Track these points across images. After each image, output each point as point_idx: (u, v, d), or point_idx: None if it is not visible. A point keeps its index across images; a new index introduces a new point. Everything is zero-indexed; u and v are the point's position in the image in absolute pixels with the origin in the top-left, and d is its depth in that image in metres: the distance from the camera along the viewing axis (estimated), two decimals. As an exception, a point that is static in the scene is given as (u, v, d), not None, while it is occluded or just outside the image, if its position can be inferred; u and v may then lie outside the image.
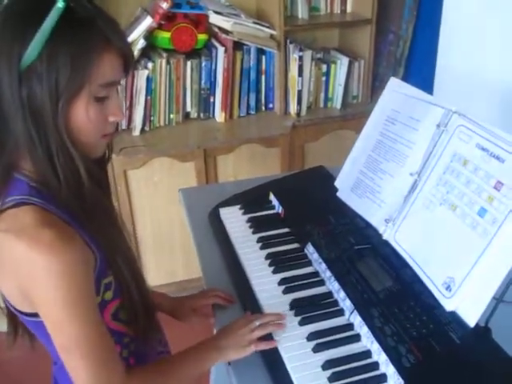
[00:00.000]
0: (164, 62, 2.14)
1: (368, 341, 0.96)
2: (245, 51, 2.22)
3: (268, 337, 0.98)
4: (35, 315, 0.80)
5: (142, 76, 2.10)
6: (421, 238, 1.07)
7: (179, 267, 2.38)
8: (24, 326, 0.89)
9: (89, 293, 0.78)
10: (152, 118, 2.21)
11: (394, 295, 1.02)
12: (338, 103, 2.38)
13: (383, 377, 0.90)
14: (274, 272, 1.17)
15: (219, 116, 2.28)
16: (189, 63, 2.19)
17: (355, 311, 1.01)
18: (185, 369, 0.92)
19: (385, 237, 1.15)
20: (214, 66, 2.22)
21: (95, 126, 0.80)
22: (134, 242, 2.23)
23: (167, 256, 2.34)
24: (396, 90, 1.30)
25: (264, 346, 0.96)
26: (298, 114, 2.29)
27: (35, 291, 0.75)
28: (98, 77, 0.77)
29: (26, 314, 0.82)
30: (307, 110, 2.32)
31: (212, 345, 0.96)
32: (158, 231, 2.27)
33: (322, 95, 2.37)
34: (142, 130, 2.18)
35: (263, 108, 2.37)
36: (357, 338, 0.98)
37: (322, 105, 2.39)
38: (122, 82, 2.02)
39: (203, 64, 2.21)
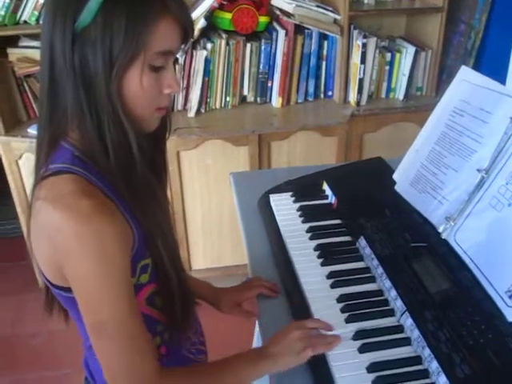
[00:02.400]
0: (223, 43, 2.11)
1: (419, 346, 0.89)
2: (306, 35, 2.16)
3: None
4: (68, 290, 0.77)
5: (200, 56, 2.07)
6: (484, 239, 0.99)
7: (226, 252, 2.36)
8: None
9: (124, 271, 0.75)
10: (208, 100, 2.19)
11: (451, 299, 0.95)
12: (400, 94, 2.27)
13: (433, 386, 0.84)
14: (323, 264, 1.11)
15: (276, 101, 2.23)
16: (248, 45, 2.15)
17: (407, 313, 0.94)
18: (229, 378, 0.86)
19: (444, 236, 1.07)
20: (273, 50, 2.17)
21: (149, 97, 0.76)
22: (183, 224, 2.22)
23: (215, 240, 2.32)
24: (466, 79, 1.21)
25: (324, 346, 0.89)
26: (358, 103, 2.21)
27: (68, 263, 0.73)
28: (154, 44, 0.73)
29: (59, 288, 0.80)
30: (368, 99, 2.23)
31: (264, 353, 0.88)
32: (208, 214, 2.26)
33: (385, 85, 2.27)
34: (198, 112, 2.16)
35: (322, 95, 2.30)
36: (406, 341, 0.91)
37: (383, 95, 2.30)
38: (180, 60, 2.00)
39: (263, 47, 2.16)
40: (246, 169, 2.16)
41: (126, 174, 0.76)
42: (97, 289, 0.73)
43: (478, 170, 1.05)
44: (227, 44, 2.12)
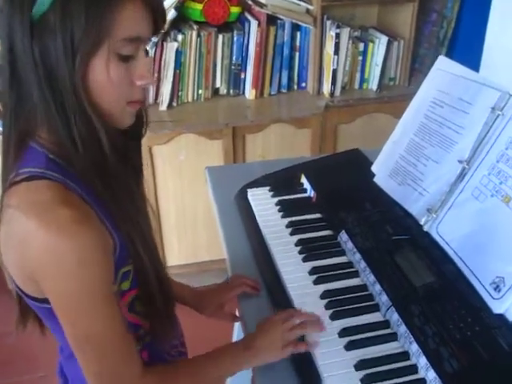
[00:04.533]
0: (195, 34, 2.06)
1: (406, 341, 0.87)
2: (279, 26, 2.12)
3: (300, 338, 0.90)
4: (43, 301, 0.73)
5: (171, 48, 2.02)
6: (467, 231, 0.98)
7: (201, 248, 2.33)
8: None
9: (105, 282, 0.71)
10: (180, 93, 2.14)
11: (436, 292, 0.94)
12: (374, 85, 2.26)
13: (422, 382, 0.82)
14: (305, 260, 1.09)
15: (249, 93, 2.19)
16: (220, 37, 2.11)
17: (392, 307, 0.93)
18: (212, 372, 0.84)
19: (426, 228, 1.06)
20: (246, 41, 2.13)
21: (118, 90, 0.71)
22: (157, 220, 2.17)
23: (190, 236, 2.28)
24: (444, 69, 1.20)
25: (304, 347, 0.87)
26: (332, 95, 2.19)
27: (44, 277, 0.68)
28: (119, 29, 0.67)
29: (33, 299, 0.75)
30: (341, 90, 2.22)
31: (245, 346, 0.87)
32: (182, 210, 2.21)
33: (358, 75, 2.26)
34: (170, 105, 2.10)
35: (295, 87, 2.28)
36: (393, 337, 0.90)
37: (357, 86, 2.28)
38: (151, 53, 1.95)
39: (235, 38, 2.12)
40: (221, 163, 2.12)
41: (101, 174, 0.71)
42: (77, 303, 0.69)
43: (460, 161, 1.04)
44: (198, 35, 2.07)
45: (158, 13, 0.72)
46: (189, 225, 2.25)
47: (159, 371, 0.81)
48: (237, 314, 1.11)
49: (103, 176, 0.71)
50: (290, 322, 0.89)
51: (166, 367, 0.85)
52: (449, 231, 1.02)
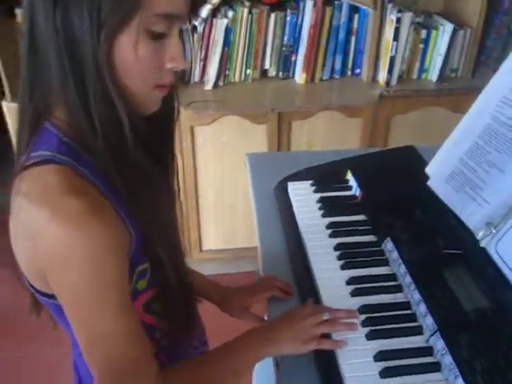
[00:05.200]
0: (246, 11, 1.96)
1: (450, 374, 0.77)
2: (336, 7, 2.00)
3: (326, 336, 0.83)
4: (51, 296, 0.67)
5: (220, 25, 1.93)
6: (532, 253, 0.86)
7: (239, 234, 2.26)
8: None
9: (120, 281, 0.64)
10: (227, 72, 2.05)
11: (488, 321, 0.83)
12: (434, 75, 2.11)
13: (466, 424, 0.72)
14: (343, 268, 0.99)
15: (299, 77, 2.08)
16: (272, 15, 2.00)
17: (438, 333, 0.82)
18: (231, 362, 0.78)
19: (483, 244, 0.95)
20: (299, 21, 2.01)
21: (146, 71, 0.63)
22: (195, 202, 2.11)
23: (227, 220, 2.22)
24: (519, 66, 1.06)
25: (329, 345, 0.80)
26: (388, 83, 2.05)
27: (52, 272, 0.62)
28: (153, 3, 0.60)
29: (42, 294, 0.69)
30: (398, 79, 2.08)
31: (267, 337, 0.80)
32: (221, 193, 2.14)
33: (417, 65, 2.11)
34: (215, 85, 2.02)
35: (349, 73, 2.15)
36: (436, 367, 0.80)
37: (415, 75, 2.13)
38: (199, 29, 1.86)
39: (288, 18, 2.01)
40: (264, 149, 2.03)
41: (118, 158, 0.64)
42: (88, 304, 0.63)
43: (530, 173, 0.91)
44: (250, 13, 1.97)
45: None
46: (227, 209, 2.18)
47: (177, 371, 0.75)
48: (265, 317, 1.03)
49: (122, 164, 0.64)
50: (317, 316, 0.82)
51: (184, 365, 0.78)
52: (510, 250, 0.90)
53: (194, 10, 0.66)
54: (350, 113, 2.02)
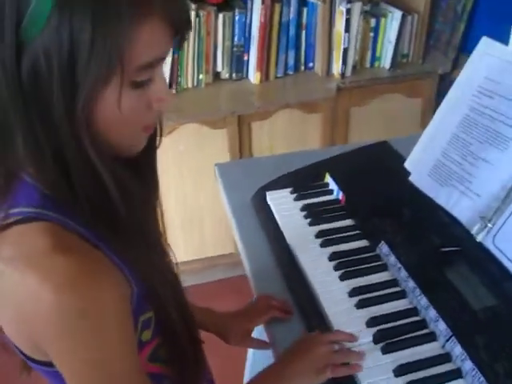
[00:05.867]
0: (193, 14, 1.89)
1: (474, 380, 0.75)
2: (284, 2, 1.95)
3: None
4: (48, 364, 0.60)
5: (168, 31, 1.85)
6: (533, 244, 0.86)
7: (207, 242, 2.20)
8: None
9: (127, 343, 0.58)
10: (179, 80, 1.98)
11: (500, 318, 0.82)
12: (386, 63, 2.11)
13: (499, 432, 0.71)
14: (342, 278, 0.96)
15: (254, 77, 2.04)
16: (220, 16, 1.94)
17: (453, 338, 0.81)
18: None
19: (479, 239, 0.94)
20: (248, 20, 1.96)
21: (133, 120, 0.57)
22: (160, 216, 2.03)
23: (196, 231, 2.15)
24: (490, 52, 1.05)
25: (346, 370, 0.77)
26: (343, 75, 2.04)
27: (50, 343, 0.55)
28: (134, 56, 0.53)
29: (36, 362, 0.62)
30: (352, 70, 2.07)
31: (283, 374, 0.76)
32: (185, 204, 2.08)
33: (369, 53, 2.10)
34: (169, 93, 1.95)
35: (302, 68, 2.12)
36: (457, 373, 0.78)
37: (368, 65, 2.13)
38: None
39: (237, 17, 1.95)
40: (226, 154, 1.98)
41: (105, 216, 0.58)
42: (95, 375, 0.56)
43: (520, 163, 0.91)
44: (197, 16, 1.90)
45: (180, 19, 0.56)
46: (194, 219, 2.12)
47: None
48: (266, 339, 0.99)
49: (109, 220, 0.58)
50: (330, 346, 0.79)
51: None
52: (509, 243, 0.89)
53: (179, 38, 0.59)
54: (308, 109, 2.00)
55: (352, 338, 0.82)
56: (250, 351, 1.70)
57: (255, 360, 1.66)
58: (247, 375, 1.77)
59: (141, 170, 0.68)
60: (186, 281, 2.30)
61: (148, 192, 0.71)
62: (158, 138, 0.70)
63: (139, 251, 0.61)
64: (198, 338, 0.74)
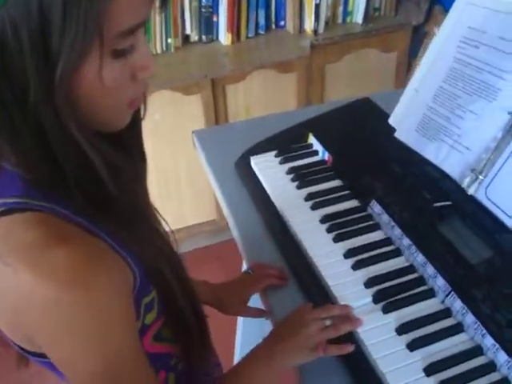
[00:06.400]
0: (157, -25, 1.80)
1: (476, 333, 0.76)
2: (252, -42, 1.88)
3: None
4: (44, 355, 0.57)
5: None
6: (526, 194, 0.85)
7: (188, 212, 2.17)
8: None
9: (128, 329, 0.55)
10: (147, 45, 1.90)
11: (497, 270, 0.82)
12: (359, 17, 2.06)
13: (505, 382, 0.71)
14: (336, 240, 0.95)
15: (224, 38, 1.97)
16: (186, -25, 1.86)
17: (453, 293, 0.81)
18: None
19: (470, 192, 0.93)
20: (215, -22, 1.89)
21: (117, 93, 0.52)
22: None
23: (174, 200, 2.12)
24: (472, 2, 1.03)
25: (337, 350, 0.76)
26: (316, 32, 1.99)
27: (48, 342, 0.52)
28: (114, 22, 0.48)
29: (32, 353, 0.59)
30: (324, 26, 2.02)
31: (275, 350, 0.74)
32: (163, 174, 2.03)
33: (341, 8, 2.05)
34: (137, 60, 1.87)
35: (273, 26, 2.06)
36: (459, 328, 0.78)
37: (340, 20, 2.08)
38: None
39: (203, -24, 1.87)
40: (201, 119, 1.93)
41: (101, 204, 0.55)
42: (99, 371, 0.53)
43: (510, 113, 0.90)
44: (161, -24, 1.81)
45: None
46: (172, 189, 2.08)
47: None
48: (263, 307, 0.98)
49: (104, 204, 0.54)
50: (320, 322, 0.76)
51: None
52: (501, 194, 0.89)
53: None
54: (282, 68, 1.95)
55: (345, 309, 0.81)
56: (240, 319, 1.70)
57: (245, 328, 1.66)
58: (238, 344, 1.77)
59: (126, 144, 0.64)
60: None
61: (136, 167, 0.67)
62: (142, 109, 0.66)
63: (135, 230, 0.58)
64: (201, 312, 0.72)
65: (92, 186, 0.54)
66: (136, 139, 0.68)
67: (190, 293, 0.68)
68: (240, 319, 1.64)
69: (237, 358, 1.72)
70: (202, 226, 2.22)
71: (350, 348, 0.76)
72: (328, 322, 0.78)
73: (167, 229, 0.69)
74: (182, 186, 2.09)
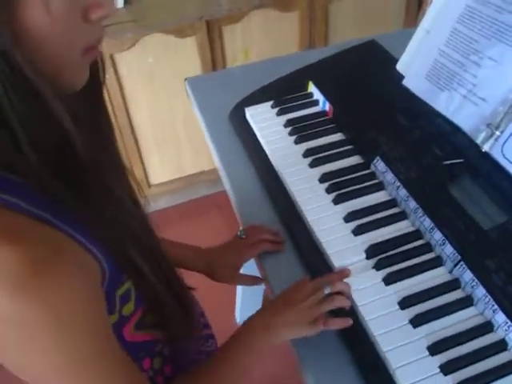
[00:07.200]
0: None
1: (487, 308, 0.69)
2: None
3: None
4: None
5: None
6: (548, 152, 0.76)
7: (185, 160, 2.09)
8: None
9: (98, 329, 0.48)
10: (137, -17, 1.76)
11: (513, 237, 0.74)
12: None
13: (517, 362, 0.65)
14: (336, 202, 0.88)
15: (220, -26, 1.82)
16: None
17: (462, 263, 0.74)
18: (241, 361, 0.67)
19: (485, 148, 0.84)
20: None
21: (68, 31, 0.43)
22: (133, 139, 1.90)
23: (172, 150, 2.03)
24: None
25: (338, 323, 0.71)
26: (319, -34, 1.83)
27: (6, 354, 0.45)
28: None
29: None
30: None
31: (271, 323, 0.69)
32: (159, 121, 1.93)
33: None
34: (126, 1, 1.74)
35: (273, -40, 1.90)
36: (469, 301, 0.72)
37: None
38: None
39: None
40: (197, 64, 1.81)
41: (67, 180, 0.46)
42: (69, 376, 0.47)
43: (533, 60, 0.79)
44: None
45: None
46: (169, 138, 1.99)
47: None
48: (258, 274, 0.91)
49: (70, 180, 0.46)
50: (317, 294, 0.71)
51: (190, 378, 0.66)
52: (520, 152, 0.80)
53: None
54: (283, 7, 1.81)
55: (344, 273, 0.75)
56: (239, 287, 1.66)
57: (245, 294, 1.62)
58: (238, 310, 1.74)
59: (88, 111, 0.55)
60: (169, 201, 2.24)
61: (103, 137, 0.58)
62: (101, 72, 0.56)
63: (106, 214, 0.49)
64: (183, 292, 0.65)
65: (55, 155, 0.45)
66: (99, 107, 0.58)
67: (168, 275, 0.60)
68: (239, 287, 1.61)
69: (238, 322, 1.70)
70: (201, 175, 2.14)
71: (349, 321, 0.70)
72: (327, 291, 0.72)
73: (142, 199, 0.61)
74: (180, 135, 2.00)
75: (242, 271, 0.90)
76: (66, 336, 0.44)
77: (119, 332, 0.56)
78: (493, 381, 0.64)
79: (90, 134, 0.47)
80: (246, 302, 1.62)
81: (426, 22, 1.01)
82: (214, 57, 1.83)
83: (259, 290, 1.60)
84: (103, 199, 0.49)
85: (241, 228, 0.93)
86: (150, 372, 0.63)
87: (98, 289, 0.49)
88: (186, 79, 1.31)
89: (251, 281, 0.90)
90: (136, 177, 0.60)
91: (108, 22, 0.62)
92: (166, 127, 1.96)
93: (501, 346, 0.67)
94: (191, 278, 0.78)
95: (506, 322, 0.67)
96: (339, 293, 0.72)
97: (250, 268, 0.94)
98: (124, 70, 1.73)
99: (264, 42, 1.86)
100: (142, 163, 2.01)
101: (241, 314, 1.68)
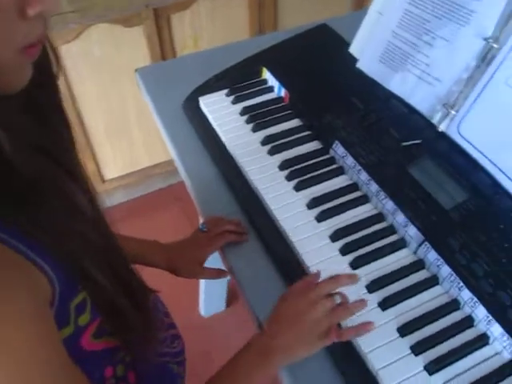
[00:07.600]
0: None
1: (453, 286, 0.70)
2: None
3: None
4: None
5: None
6: (503, 129, 0.78)
7: (138, 153, 2.03)
8: None
9: (55, 358, 0.45)
10: (78, -30, 1.69)
11: (474, 215, 0.75)
12: None
13: (484, 338, 0.66)
14: (297, 189, 0.87)
15: (164, -40, 1.77)
16: None
17: (426, 243, 0.74)
18: None
19: (442, 128, 0.85)
20: None
21: (2, 30, 0.39)
22: (83, 134, 1.84)
23: (125, 144, 1.97)
24: None
25: (355, 332, 0.65)
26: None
27: None
28: None
29: None
30: None
31: (271, 347, 0.62)
32: (109, 114, 1.87)
33: None
34: (68, -11, 1.67)
35: None
36: (433, 281, 0.72)
37: None
38: None
39: None
40: (146, 53, 1.76)
41: (11, 193, 0.43)
42: None
43: (485, 39, 0.80)
44: None
45: None
46: (122, 131, 1.93)
47: None
48: (222, 267, 0.89)
49: (15, 192, 0.42)
50: (328, 300, 0.64)
51: None
52: (476, 130, 0.81)
53: None
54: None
55: (352, 278, 0.68)
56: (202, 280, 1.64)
57: (208, 286, 1.59)
58: (202, 303, 1.71)
59: (41, 109, 0.51)
60: (125, 196, 2.17)
61: (60, 134, 0.54)
62: (55, 67, 0.52)
63: (58, 223, 0.46)
64: (141, 296, 0.62)
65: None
66: (52, 102, 0.54)
67: (124, 276, 0.57)
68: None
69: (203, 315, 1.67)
70: (154, 168, 2.10)
71: (371, 326, 0.65)
72: (338, 299, 0.65)
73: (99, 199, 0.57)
74: (132, 127, 1.94)
75: (205, 264, 0.88)
76: (5, 356, 0.41)
77: (76, 342, 0.52)
78: (462, 357, 0.65)
79: (40, 139, 0.44)
80: (209, 293, 1.60)
81: (377, 4, 1.00)
82: (162, 46, 1.78)
83: (223, 281, 1.59)
84: (55, 211, 0.46)
85: (201, 221, 0.91)
86: (112, 380, 0.60)
87: (45, 304, 0.45)
88: (136, 70, 1.27)
89: (216, 274, 0.87)
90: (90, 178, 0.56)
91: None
92: (118, 120, 1.90)
93: (468, 322, 0.68)
94: (151, 274, 0.76)
95: (472, 299, 0.68)
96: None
97: (213, 261, 0.92)
98: (69, 62, 1.66)
99: (213, 28, 1.82)
100: (94, 158, 1.95)
101: (205, 307, 1.66)
